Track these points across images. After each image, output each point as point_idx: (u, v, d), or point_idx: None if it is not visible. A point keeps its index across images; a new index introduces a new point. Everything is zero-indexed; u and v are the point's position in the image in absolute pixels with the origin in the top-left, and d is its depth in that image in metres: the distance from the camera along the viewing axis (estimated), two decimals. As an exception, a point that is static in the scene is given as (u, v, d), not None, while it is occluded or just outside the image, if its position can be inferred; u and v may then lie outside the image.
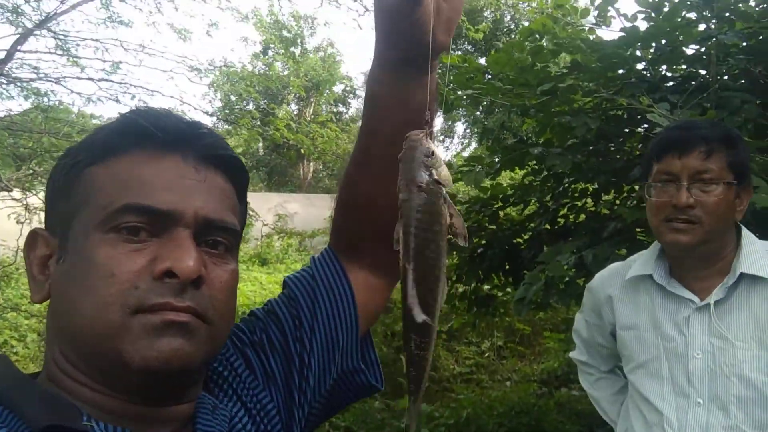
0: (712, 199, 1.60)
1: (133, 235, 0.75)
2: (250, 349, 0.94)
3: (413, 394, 0.95)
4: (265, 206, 11.02)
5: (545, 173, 4.12)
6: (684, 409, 1.63)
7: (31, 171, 6.73)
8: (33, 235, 0.83)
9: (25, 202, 6.38)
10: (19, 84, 6.86)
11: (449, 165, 0.79)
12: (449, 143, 21.11)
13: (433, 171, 0.76)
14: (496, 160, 4.04)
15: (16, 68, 6.68)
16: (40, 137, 6.71)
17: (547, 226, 4.20)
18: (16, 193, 6.31)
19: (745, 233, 1.68)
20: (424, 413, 5.00)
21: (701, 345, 1.63)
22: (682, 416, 1.62)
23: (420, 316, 0.84)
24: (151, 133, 0.79)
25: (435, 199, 0.76)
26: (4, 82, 6.67)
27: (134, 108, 0.93)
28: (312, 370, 0.94)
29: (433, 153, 0.78)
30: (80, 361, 0.76)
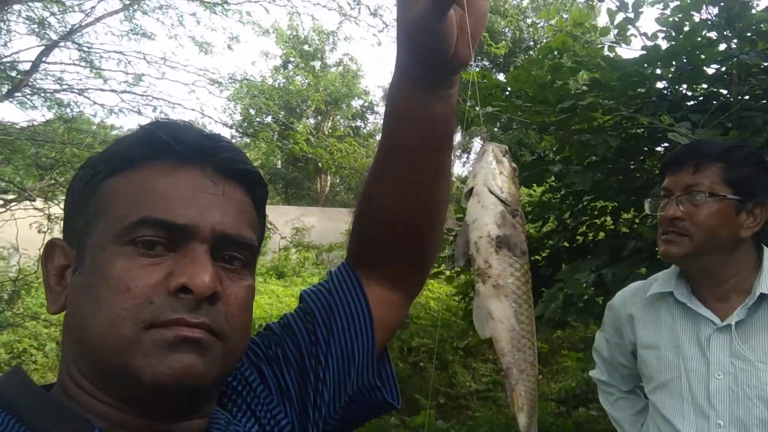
0: (702, 212, 1.62)
1: (150, 249, 0.74)
2: (265, 364, 0.93)
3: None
4: (282, 219, 11.06)
5: (564, 191, 4.11)
6: (704, 431, 1.61)
7: (53, 181, 6.82)
8: (51, 245, 0.83)
9: (47, 212, 6.46)
10: (42, 95, 6.99)
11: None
12: (466, 159, 21.12)
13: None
14: (515, 176, 4.03)
15: (41, 79, 6.81)
16: (63, 147, 6.81)
17: (566, 244, 4.19)
18: (39, 203, 6.40)
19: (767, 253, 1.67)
20: (440, 430, 4.96)
21: (723, 366, 1.61)
22: None
23: None
24: (170, 145, 0.79)
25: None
26: (29, 92, 6.80)
27: (154, 120, 0.91)
28: (327, 385, 0.93)
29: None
30: (93, 374, 0.76)
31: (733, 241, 1.63)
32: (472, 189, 0.77)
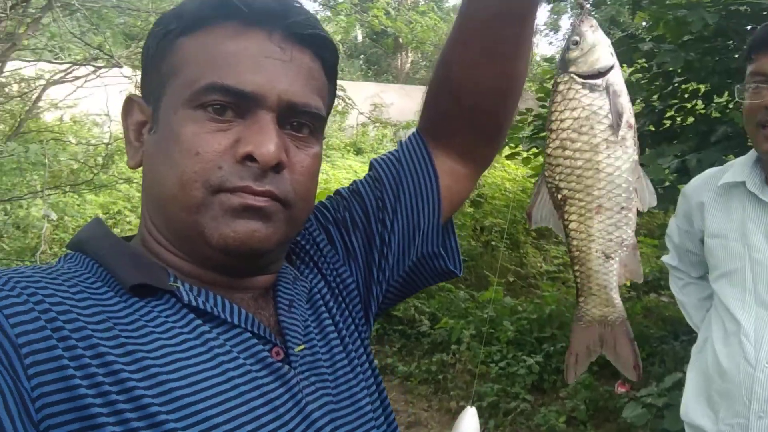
0: None
1: (219, 114, 0.76)
2: (333, 226, 0.97)
3: None
4: (361, 95, 10.96)
5: (654, 71, 3.89)
6: (763, 322, 1.58)
7: (139, 49, 6.92)
8: (129, 101, 0.85)
9: (135, 80, 6.61)
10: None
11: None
12: (554, 38, 20.11)
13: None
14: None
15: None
16: (148, 17, 6.86)
17: (651, 128, 4.01)
18: (127, 71, 6.55)
19: None
20: (508, 306, 5.04)
21: None
22: (760, 328, 1.58)
23: None
24: (239, 7, 0.78)
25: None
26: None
27: None
28: (392, 249, 0.97)
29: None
30: (167, 230, 0.80)
31: None
32: None
